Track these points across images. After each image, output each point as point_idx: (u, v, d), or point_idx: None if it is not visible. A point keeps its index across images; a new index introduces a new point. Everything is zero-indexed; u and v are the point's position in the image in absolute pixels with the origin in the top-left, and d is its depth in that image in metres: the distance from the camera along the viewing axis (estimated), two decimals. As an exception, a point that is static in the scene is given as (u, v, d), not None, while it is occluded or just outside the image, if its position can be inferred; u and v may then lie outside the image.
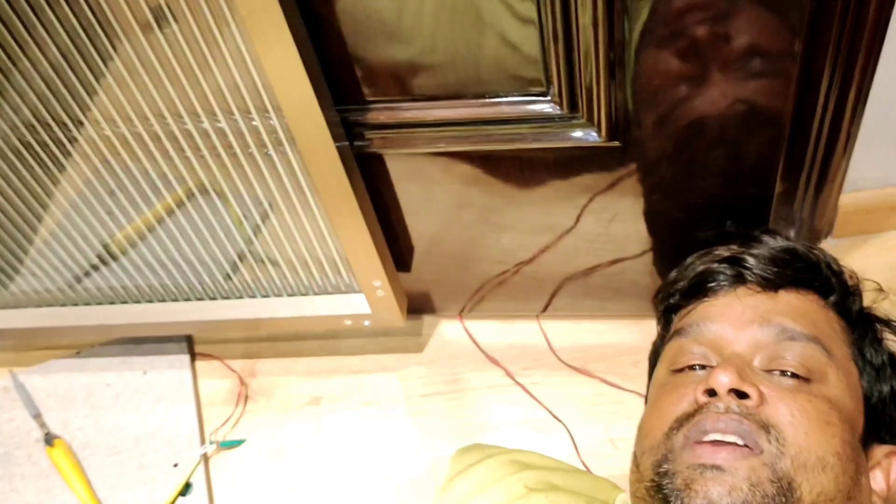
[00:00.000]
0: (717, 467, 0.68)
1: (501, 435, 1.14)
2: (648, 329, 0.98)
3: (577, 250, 1.11)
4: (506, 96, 0.91)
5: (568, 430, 1.14)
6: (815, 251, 0.88)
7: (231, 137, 0.96)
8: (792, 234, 1.07)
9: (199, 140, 0.96)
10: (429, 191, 1.05)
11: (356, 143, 0.97)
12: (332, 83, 0.91)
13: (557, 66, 0.86)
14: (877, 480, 0.76)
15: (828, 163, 0.99)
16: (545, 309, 1.23)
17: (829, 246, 1.19)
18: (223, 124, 0.94)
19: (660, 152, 0.94)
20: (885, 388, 0.81)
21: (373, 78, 0.92)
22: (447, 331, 1.27)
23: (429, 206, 1.08)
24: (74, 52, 0.90)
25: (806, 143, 0.94)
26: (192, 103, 0.93)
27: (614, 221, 1.05)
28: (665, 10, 0.80)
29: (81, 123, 0.97)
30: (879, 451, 0.78)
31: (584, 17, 0.80)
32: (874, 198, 1.17)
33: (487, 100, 0.91)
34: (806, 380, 0.75)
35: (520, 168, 0.99)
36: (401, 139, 0.97)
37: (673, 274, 0.94)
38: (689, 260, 0.93)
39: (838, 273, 0.87)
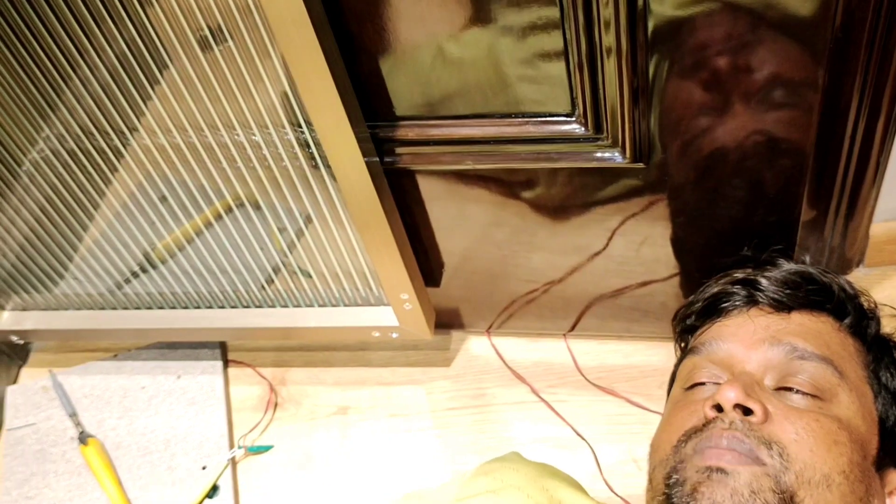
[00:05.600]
0: (722, 469, 0.69)
1: (525, 451, 1.13)
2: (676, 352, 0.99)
3: (607, 272, 1.12)
4: (532, 116, 0.92)
5: (591, 448, 1.14)
6: (829, 274, 0.88)
7: (265, 150, 0.98)
8: (823, 261, 1.07)
9: (234, 151, 0.99)
10: (459, 208, 1.07)
11: (386, 159, 0.99)
12: (364, 99, 0.93)
13: (583, 91, 0.87)
14: None
15: (857, 192, 0.99)
16: (573, 328, 1.23)
17: (860, 275, 1.18)
18: (258, 137, 0.97)
19: (683, 176, 0.95)
20: None
21: (402, 95, 0.93)
22: (475, 346, 1.28)
23: (459, 223, 1.09)
24: (128, 65, 0.93)
25: (834, 172, 0.94)
26: (228, 116, 0.95)
27: (644, 244, 1.06)
28: (687, 41, 0.81)
29: (126, 134, 1.01)
30: None
31: (609, 44, 0.81)
32: (907, 228, 1.16)
33: (514, 119, 0.92)
34: (816, 398, 0.76)
35: (548, 187, 1.00)
36: (429, 156, 0.98)
37: (691, 297, 0.95)
38: (706, 283, 0.94)
39: (853, 296, 0.87)
